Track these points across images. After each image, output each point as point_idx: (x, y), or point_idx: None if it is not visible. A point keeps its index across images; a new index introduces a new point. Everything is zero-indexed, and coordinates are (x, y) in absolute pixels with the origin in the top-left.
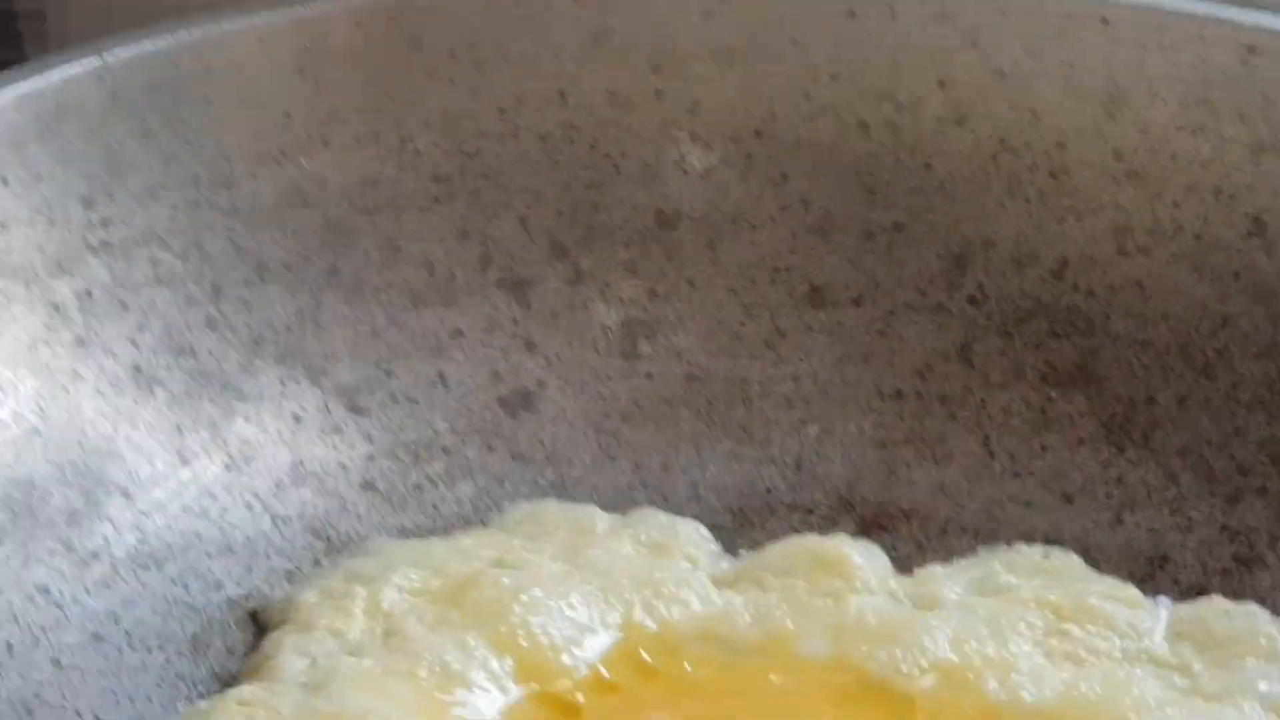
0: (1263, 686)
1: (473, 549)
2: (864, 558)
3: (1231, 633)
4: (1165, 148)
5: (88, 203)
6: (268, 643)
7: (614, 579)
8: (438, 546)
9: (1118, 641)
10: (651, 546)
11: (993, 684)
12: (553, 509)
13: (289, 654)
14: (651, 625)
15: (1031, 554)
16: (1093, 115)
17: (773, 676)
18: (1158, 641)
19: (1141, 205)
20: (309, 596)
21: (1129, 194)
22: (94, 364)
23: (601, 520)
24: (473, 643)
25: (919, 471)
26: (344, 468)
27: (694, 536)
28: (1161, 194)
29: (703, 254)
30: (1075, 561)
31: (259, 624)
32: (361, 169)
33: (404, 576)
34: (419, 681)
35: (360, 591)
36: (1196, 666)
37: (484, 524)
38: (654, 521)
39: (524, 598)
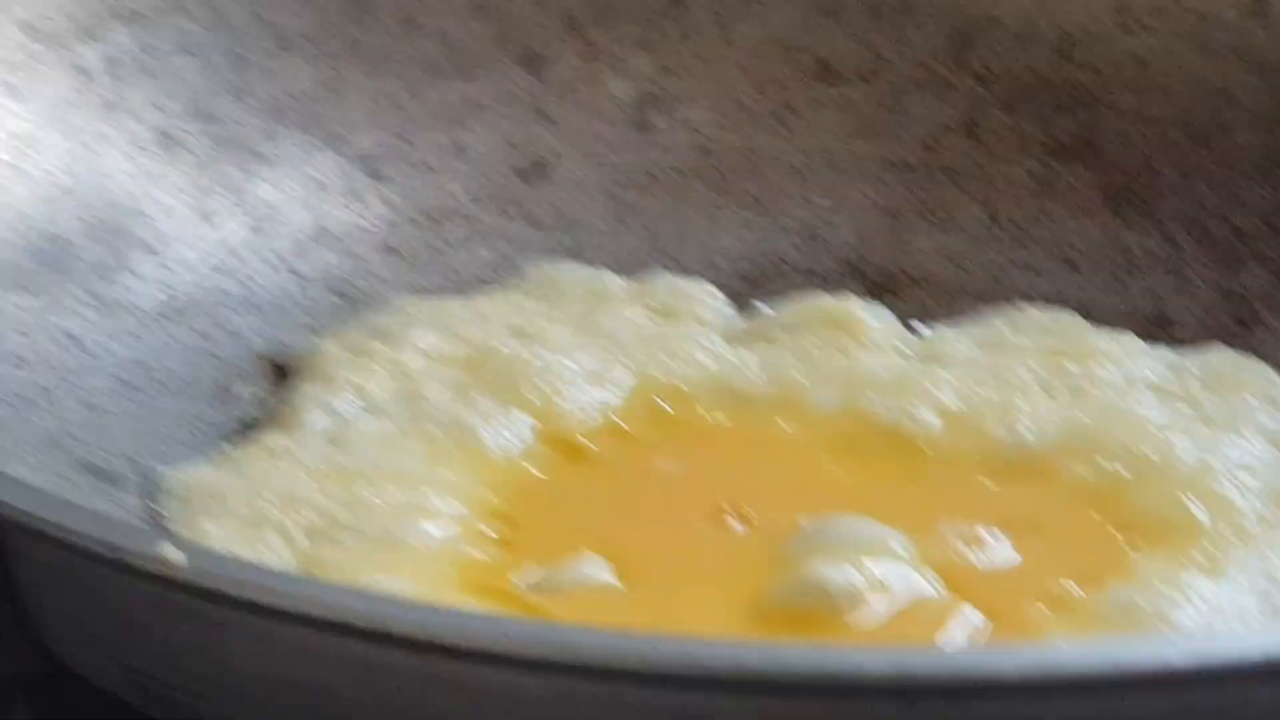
0: (1265, 420)
1: (491, 311)
2: (874, 316)
3: (1234, 373)
4: None
5: None
6: (293, 393)
7: (628, 343)
8: (456, 307)
9: (1119, 373)
10: (664, 308)
11: (997, 426)
12: (568, 272)
13: (313, 407)
14: (664, 380)
15: (1038, 314)
16: None
17: (784, 425)
18: (1159, 374)
19: None
20: (332, 349)
21: None
22: (121, 127)
23: (615, 283)
24: (490, 404)
25: (925, 239)
26: (365, 231)
27: (705, 297)
28: None
29: (714, 31)
30: (1079, 320)
31: (283, 374)
32: None
33: (424, 338)
34: (436, 439)
35: (382, 350)
36: (1199, 396)
37: (502, 286)
38: (666, 284)
39: (539, 364)
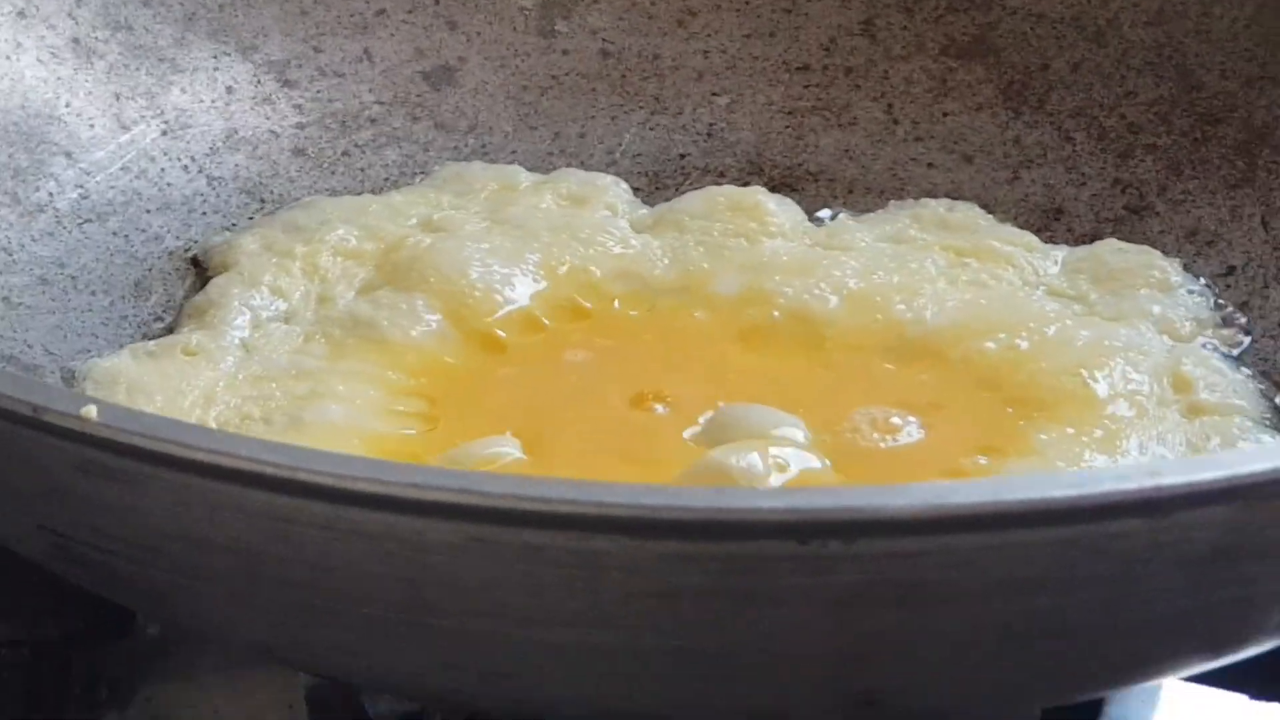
0: (1155, 309)
1: (403, 206)
2: (778, 205)
3: (1126, 266)
4: None
5: None
6: (212, 288)
7: (537, 231)
8: (371, 203)
9: (1017, 274)
10: (572, 199)
11: (899, 306)
12: (478, 169)
13: (233, 306)
14: (573, 269)
15: (937, 207)
16: None
17: (695, 313)
18: (1055, 275)
19: None
20: (250, 244)
21: None
22: (34, 35)
23: (525, 177)
24: (403, 302)
25: (825, 137)
26: (275, 135)
27: (613, 189)
28: None
29: None
30: (979, 213)
31: (201, 269)
32: None
33: (338, 236)
34: (340, 337)
35: (299, 249)
36: (1093, 295)
37: (413, 185)
38: (574, 177)
39: (450, 255)
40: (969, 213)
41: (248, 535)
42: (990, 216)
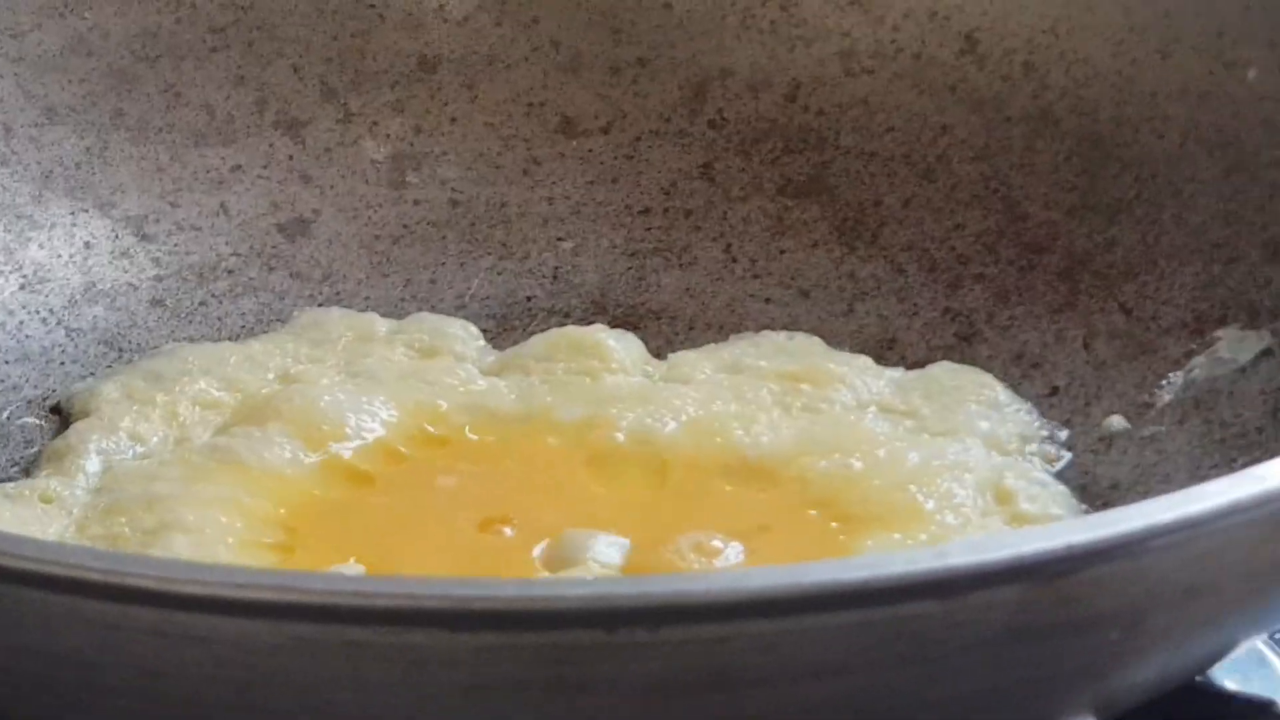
0: (984, 425)
1: (261, 355)
2: (619, 343)
3: (956, 384)
4: None
5: None
6: (72, 433)
7: (390, 381)
8: (230, 352)
9: (851, 396)
10: (423, 350)
11: (737, 431)
12: (335, 315)
13: (86, 451)
14: (421, 404)
15: (776, 338)
16: None
17: (551, 440)
18: (887, 395)
19: (865, 30)
20: (111, 391)
21: (853, 20)
22: None
23: (380, 325)
24: (260, 434)
25: (666, 277)
26: (133, 287)
27: (462, 335)
28: (883, 18)
29: (462, 93)
30: (816, 343)
31: (62, 416)
32: (142, 20)
33: (198, 388)
34: (198, 464)
35: (159, 397)
36: (924, 411)
37: (272, 332)
38: (427, 324)
39: (303, 394)
40: (808, 342)
41: (80, 645)
42: (827, 347)
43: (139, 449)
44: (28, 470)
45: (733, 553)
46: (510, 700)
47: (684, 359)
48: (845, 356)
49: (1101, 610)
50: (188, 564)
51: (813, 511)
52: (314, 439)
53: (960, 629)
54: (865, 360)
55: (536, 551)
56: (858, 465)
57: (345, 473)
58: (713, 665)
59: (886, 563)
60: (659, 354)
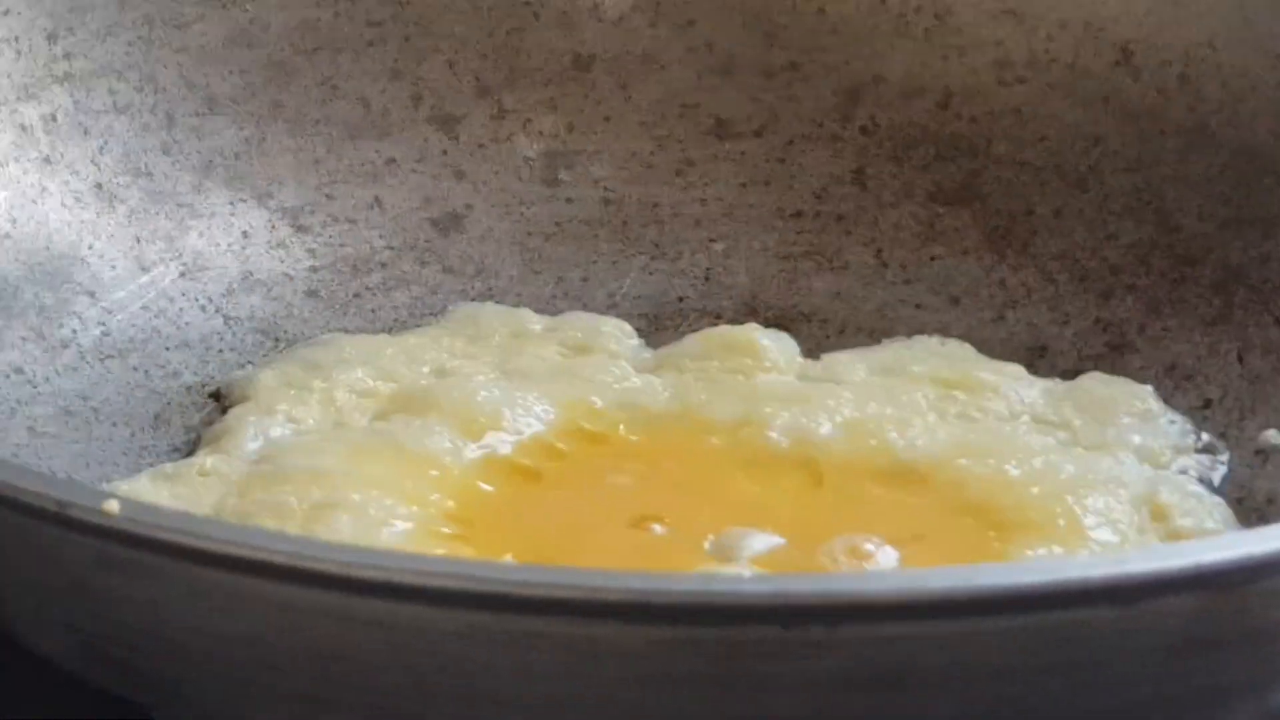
0: (1137, 439)
1: (417, 348)
2: (773, 342)
3: (1109, 395)
4: None
5: (51, 37)
6: (230, 417)
7: (544, 378)
8: (387, 345)
9: (1004, 405)
10: (576, 347)
11: (892, 434)
12: (490, 311)
13: (248, 430)
14: (580, 405)
15: (929, 343)
16: None
17: (705, 438)
18: (1040, 405)
19: (1018, 40)
20: (269, 379)
21: (1007, 30)
22: (59, 180)
23: (534, 321)
24: (419, 423)
25: (817, 280)
26: (289, 277)
27: (616, 333)
28: (1037, 29)
29: (616, 93)
30: (968, 349)
31: (220, 403)
32: (301, 13)
33: (355, 376)
34: (369, 446)
35: (316, 384)
36: (1076, 423)
37: (427, 325)
38: (580, 321)
39: (464, 394)
40: (960, 349)
41: (259, 626)
42: (979, 353)
43: (298, 429)
44: (187, 455)
45: (885, 557)
46: (685, 694)
47: (837, 360)
48: (997, 364)
49: (1275, 621)
50: (370, 550)
51: (968, 519)
52: (472, 431)
53: (1135, 636)
54: (1017, 368)
55: (698, 547)
56: (1014, 473)
57: (507, 467)
58: (887, 664)
59: (1064, 567)
60: (810, 356)
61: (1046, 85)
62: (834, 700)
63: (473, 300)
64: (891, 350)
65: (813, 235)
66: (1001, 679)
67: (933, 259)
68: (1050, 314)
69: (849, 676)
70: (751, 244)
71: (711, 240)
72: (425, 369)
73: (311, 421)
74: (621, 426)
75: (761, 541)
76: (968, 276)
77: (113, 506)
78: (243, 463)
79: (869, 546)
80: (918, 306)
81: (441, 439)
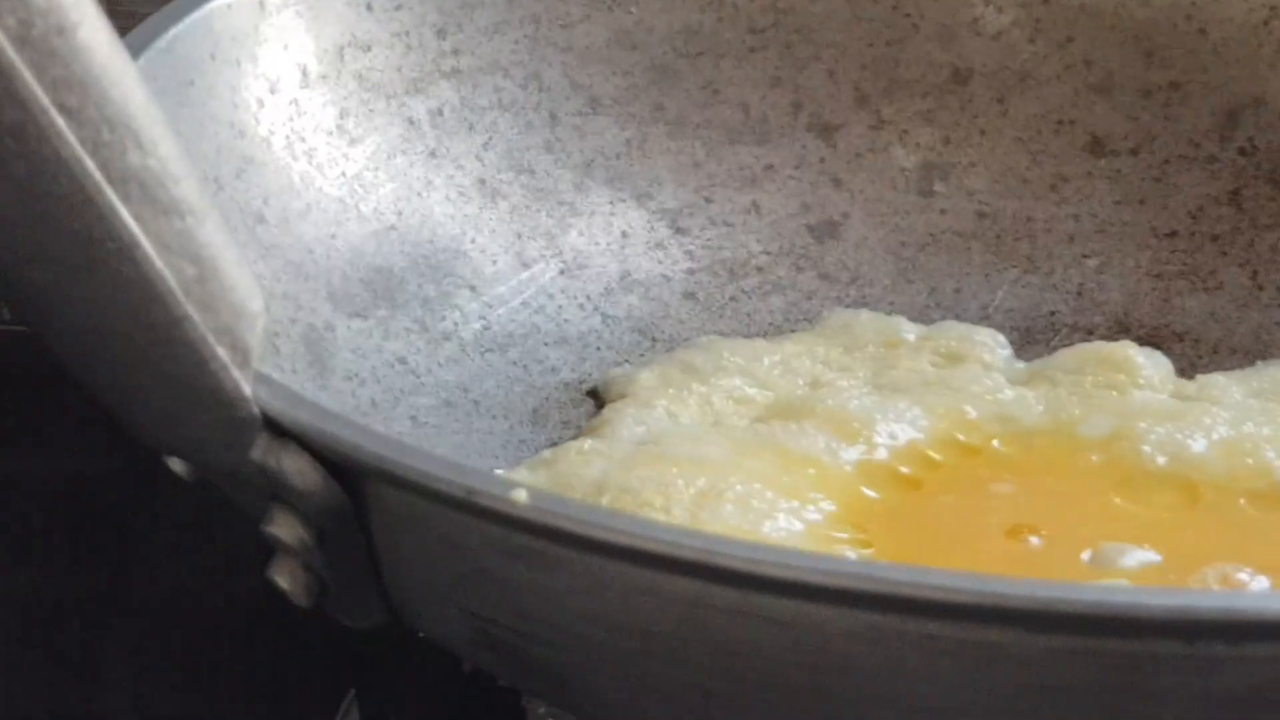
0: None
1: (793, 356)
2: (1148, 360)
3: None
4: None
5: (440, 32)
6: (608, 410)
7: (916, 388)
8: (763, 350)
9: None
10: (949, 356)
11: (1270, 454)
12: (865, 318)
13: (628, 421)
14: (954, 415)
15: None
16: None
17: (1078, 452)
18: None
19: None
20: (647, 378)
21: None
22: (444, 174)
23: (908, 329)
24: (796, 428)
25: (1191, 300)
26: (667, 279)
27: (990, 344)
28: None
29: (993, 107)
30: None
31: (596, 401)
32: (685, 18)
33: (732, 382)
34: (751, 443)
35: (696, 387)
36: None
37: (802, 331)
38: (954, 331)
39: (839, 403)
40: None
41: (660, 619)
42: None
43: (673, 421)
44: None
45: (1260, 586)
46: (1082, 704)
47: (1213, 381)
48: None
49: None
50: (776, 548)
51: None
52: (848, 435)
53: None
54: None
55: (1075, 560)
56: None
57: (886, 473)
58: None
59: None
60: (1183, 375)
61: None
62: (1235, 718)
63: (846, 305)
64: (1269, 372)
65: (1187, 255)
66: None
67: None
68: None
69: (1252, 695)
70: (1125, 261)
71: (1085, 256)
72: (800, 380)
73: (689, 419)
74: (995, 440)
75: (1137, 558)
76: None
77: (521, 495)
78: (626, 444)
79: (1242, 576)
80: None
81: (817, 441)
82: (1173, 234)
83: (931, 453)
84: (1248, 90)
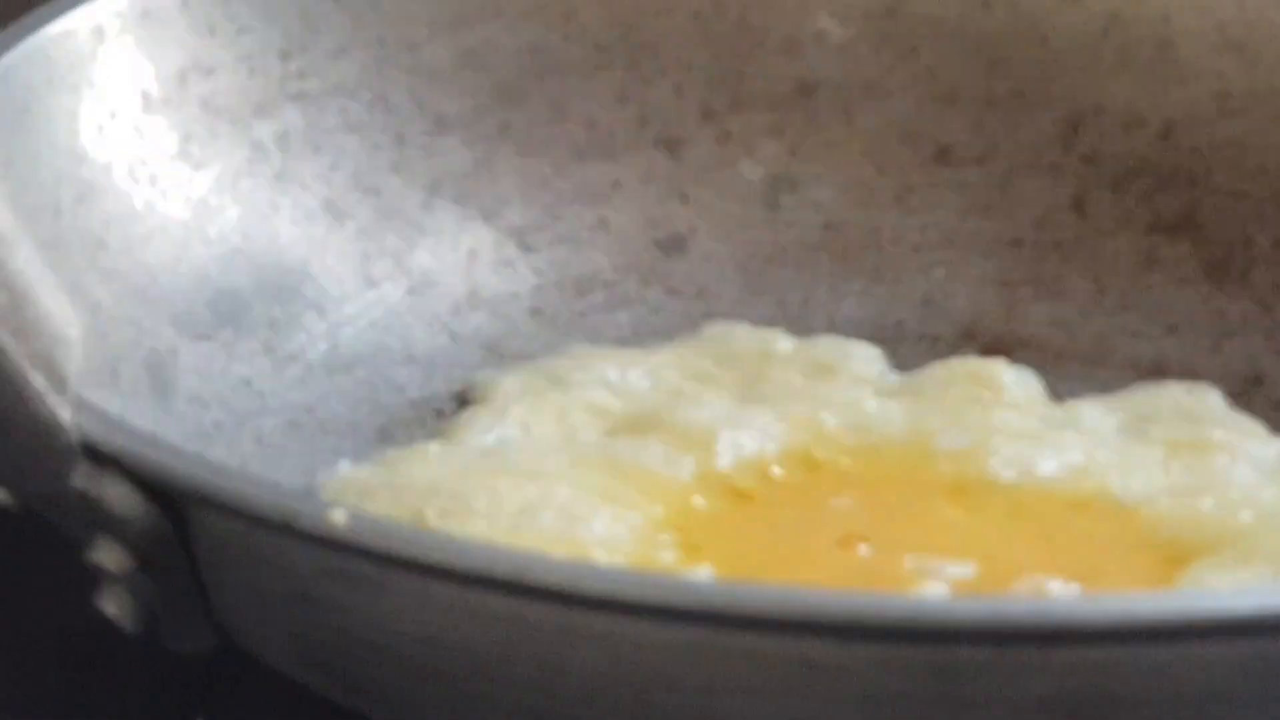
0: None
1: (662, 366)
2: (1016, 378)
3: None
4: (1262, 19)
5: (285, 56)
6: (464, 415)
7: (782, 401)
8: (632, 359)
9: (1239, 460)
10: (822, 369)
11: (1115, 480)
12: (741, 331)
13: (478, 428)
14: (813, 427)
15: (1176, 393)
16: None
17: (925, 466)
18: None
19: (1240, 72)
20: (511, 384)
21: (1228, 62)
22: (290, 197)
23: (785, 342)
24: (642, 441)
25: (1036, 308)
26: (514, 296)
27: (865, 357)
28: (1258, 61)
29: (839, 118)
30: (1216, 398)
31: (462, 402)
32: (531, 37)
33: (593, 393)
34: (591, 456)
35: (556, 396)
36: None
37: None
38: (828, 345)
39: (689, 414)
40: (1206, 396)
41: (481, 637)
42: (1226, 405)
43: (528, 433)
44: None
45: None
46: (898, 713)
47: (1081, 406)
48: (1237, 420)
49: None
50: (593, 566)
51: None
52: (690, 447)
53: None
54: (1258, 427)
55: (902, 568)
56: (1223, 526)
57: (722, 485)
58: (1100, 688)
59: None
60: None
61: (1267, 116)
62: None
63: (694, 320)
64: (1136, 400)
65: (1031, 263)
66: (1217, 705)
67: (1150, 288)
68: (1267, 344)
69: (1062, 699)
70: (971, 271)
71: (931, 266)
72: (663, 392)
73: (541, 430)
74: (849, 451)
75: (957, 570)
76: (1185, 306)
77: (339, 517)
78: (471, 452)
79: (1053, 585)
80: (1134, 335)
81: (657, 453)
82: (1018, 242)
83: (775, 465)
84: (1089, 99)
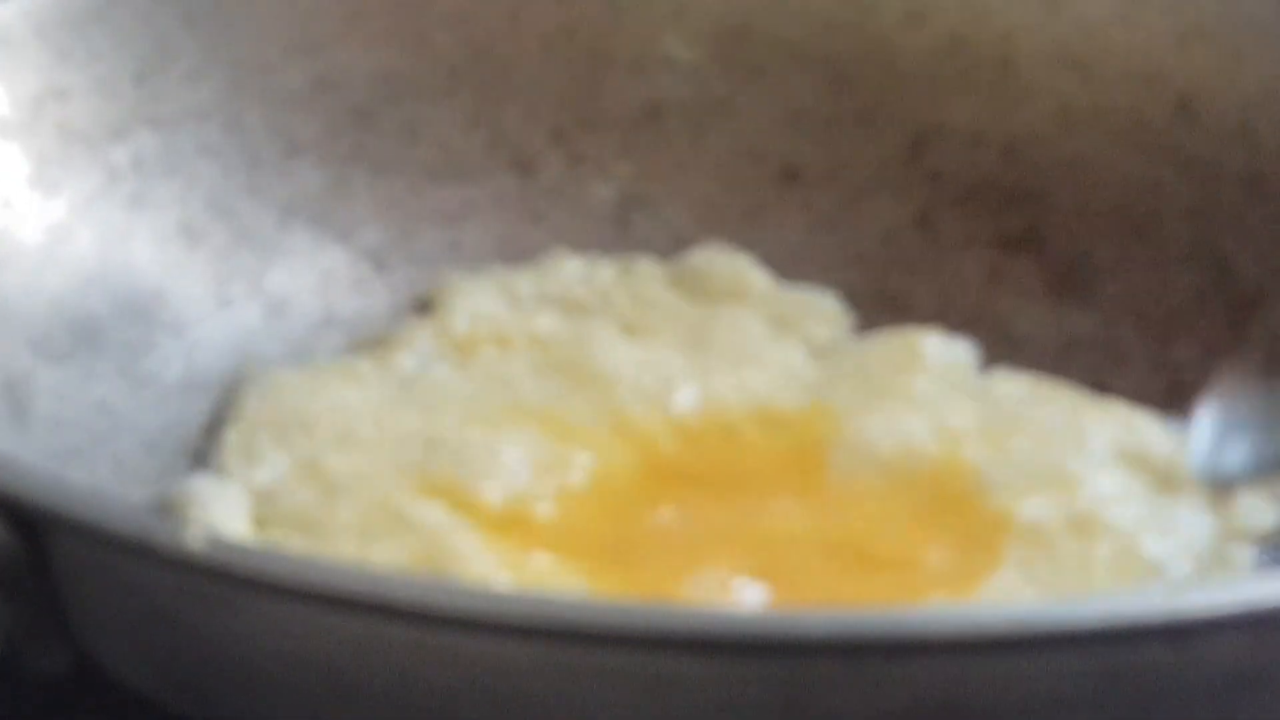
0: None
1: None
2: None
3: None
4: (1101, 38)
5: (139, 79)
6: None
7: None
8: None
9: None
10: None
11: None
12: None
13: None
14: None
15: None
16: (1036, 11)
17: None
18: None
19: (1079, 90)
20: None
21: (1069, 80)
22: (146, 220)
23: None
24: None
25: (881, 323)
26: (369, 316)
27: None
28: (1098, 79)
29: (688, 139)
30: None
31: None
32: (384, 62)
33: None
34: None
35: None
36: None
37: None
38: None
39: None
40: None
41: (337, 655)
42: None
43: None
44: None
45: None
46: None
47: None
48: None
49: None
50: (445, 584)
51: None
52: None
53: (1190, 671)
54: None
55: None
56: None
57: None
58: (948, 698)
59: (1124, 604)
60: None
61: (1107, 134)
62: None
63: None
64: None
65: (879, 279)
66: (1063, 713)
67: (995, 303)
68: (1109, 357)
69: (910, 710)
70: (817, 288)
71: (783, 280)
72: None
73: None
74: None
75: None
76: (1029, 320)
77: (195, 540)
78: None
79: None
80: (979, 349)
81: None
82: (863, 258)
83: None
84: (934, 118)
